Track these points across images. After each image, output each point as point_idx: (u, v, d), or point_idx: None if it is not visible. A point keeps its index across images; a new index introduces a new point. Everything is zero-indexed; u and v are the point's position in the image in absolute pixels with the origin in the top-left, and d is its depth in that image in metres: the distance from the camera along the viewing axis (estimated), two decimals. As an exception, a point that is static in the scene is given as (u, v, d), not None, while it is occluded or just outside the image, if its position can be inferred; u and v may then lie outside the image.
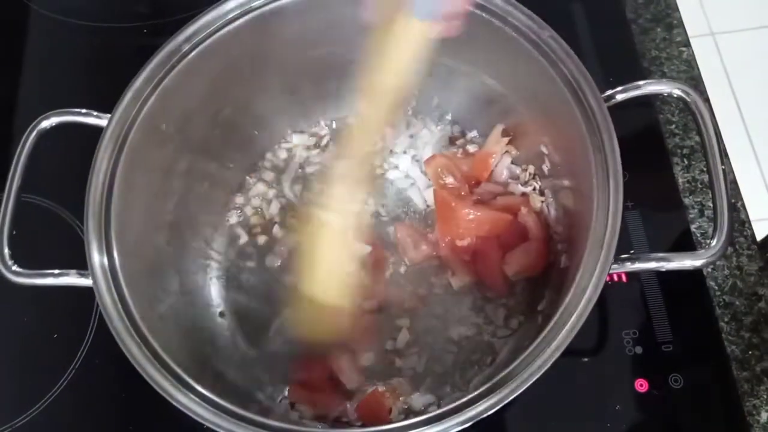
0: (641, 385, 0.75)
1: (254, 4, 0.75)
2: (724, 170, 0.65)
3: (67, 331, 0.82)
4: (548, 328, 0.60)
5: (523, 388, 0.58)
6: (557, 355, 0.59)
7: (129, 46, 0.99)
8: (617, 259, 0.62)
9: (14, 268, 0.66)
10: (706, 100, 0.89)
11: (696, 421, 0.74)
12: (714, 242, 0.62)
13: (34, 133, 0.70)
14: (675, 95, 0.69)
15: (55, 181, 0.87)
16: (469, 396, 0.58)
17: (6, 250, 0.66)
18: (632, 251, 0.82)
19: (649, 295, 0.80)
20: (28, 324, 0.84)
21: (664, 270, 0.64)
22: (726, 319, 0.79)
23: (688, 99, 0.68)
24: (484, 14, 0.72)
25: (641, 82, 0.70)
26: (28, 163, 0.69)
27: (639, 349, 0.77)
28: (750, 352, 0.77)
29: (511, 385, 0.58)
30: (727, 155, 0.87)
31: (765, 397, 0.75)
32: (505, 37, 0.73)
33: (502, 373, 0.59)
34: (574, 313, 0.60)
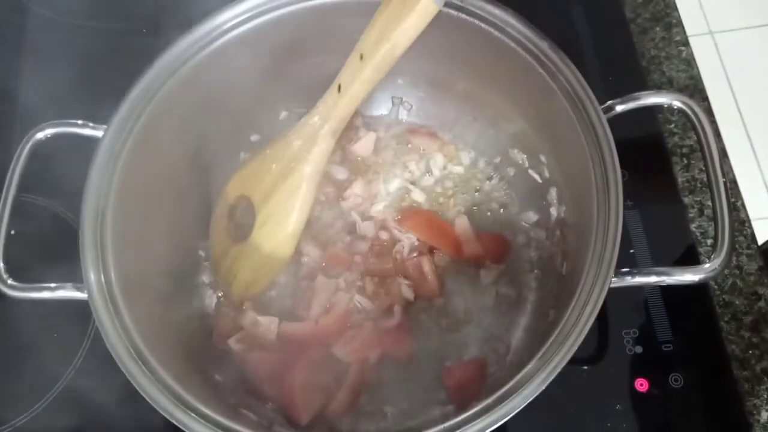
0: (641, 385, 0.75)
1: (247, 16, 0.75)
2: (725, 183, 0.65)
3: (67, 330, 0.82)
4: (546, 345, 0.60)
5: (520, 408, 0.58)
6: (556, 373, 0.58)
7: (128, 47, 0.99)
8: (617, 273, 0.62)
9: (9, 281, 0.65)
10: (707, 109, 0.89)
11: (696, 420, 0.74)
12: (714, 257, 0.62)
13: (29, 145, 0.70)
14: (675, 107, 0.69)
15: (56, 180, 0.87)
16: (466, 414, 0.58)
17: (1, 264, 0.66)
18: (632, 250, 0.82)
19: (650, 295, 0.80)
20: (29, 323, 0.83)
21: (664, 284, 0.64)
22: (726, 319, 0.79)
23: (688, 111, 0.68)
24: (483, 24, 0.72)
25: (641, 93, 0.70)
26: (25, 171, 0.69)
27: (639, 349, 0.77)
28: (750, 352, 0.78)
29: (508, 404, 0.58)
30: (726, 154, 0.87)
31: (765, 396, 0.75)
32: (505, 48, 0.73)
33: (500, 392, 0.58)
34: (573, 331, 0.60)
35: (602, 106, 0.69)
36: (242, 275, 0.78)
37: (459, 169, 0.90)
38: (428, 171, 0.90)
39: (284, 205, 0.75)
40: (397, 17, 0.66)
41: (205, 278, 0.83)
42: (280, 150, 0.75)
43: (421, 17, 0.66)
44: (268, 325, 0.78)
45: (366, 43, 0.68)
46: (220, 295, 0.83)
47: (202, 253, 0.84)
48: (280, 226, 0.75)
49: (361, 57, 0.68)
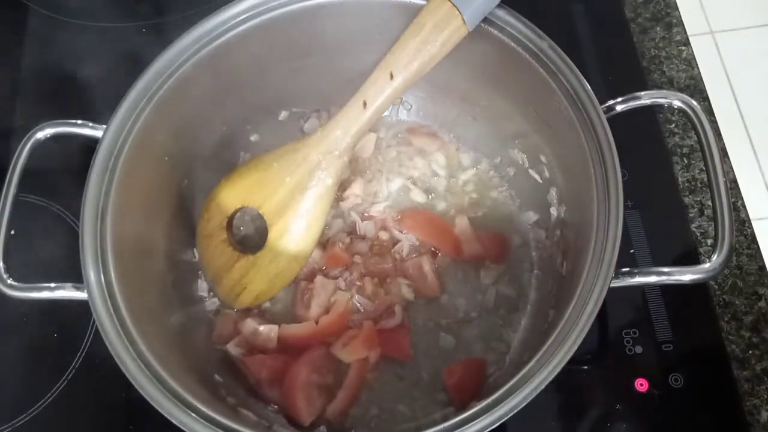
0: (641, 385, 0.75)
1: (247, 15, 0.74)
2: (725, 183, 0.65)
3: (67, 331, 0.82)
4: (546, 345, 0.60)
5: (520, 408, 0.58)
6: (556, 373, 0.58)
7: (128, 46, 0.99)
8: (617, 273, 0.62)
9: (9, 281, 0.65)
10: (707, 109, 0.89)
11: (696, 420, 0.74)
12: (714, 257, 0.62)
13: (29, 145, 0.69)
14: (675, 107, 0.69)
15: (56, 180, 0.87)
16: (466, 414, 0.58)
17: (1, 264, 0.65)
18: (632, 250, 0.82)
19: (650, 295, 0.80)
20: (28, 323, 0.84)
21: (664, 284, 0.64)
22: (726, 319, 0.79)
23: (689, 111, 0.68)
24: (482, 24, 0.71)
25: (641, 93, 0.70)
26: (24, 170, 0.69)
27: (639, 349, 0.77)
28: (750, 352, 0.78)
29: (508, 404, 0.58)
30: (726, 154, 0.87)
31: (765, 396, 0.75)
32: (505, 47, 0.72)
33: (500, 392, 0.58)
34: (573, 331, 0.60)
35: (602, 106, 0.68)
36: (255, 286, 0.78)
37: (459, 169, 0.90)
38: (428, 171, 0.90)
39: (305, 215, 0.75)
40: (432, 40, 0.68)
41: (206, 279, 0.83)
42: (293, 163, 0.75)
43: (456, 39, 0.69)
44: (267, 333, 0.78)
45: (397, 62, 0.69)
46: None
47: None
48: (302, 235, 0.76)
49: (391, 76, 0.70)
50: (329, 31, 0.79)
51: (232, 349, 0.77)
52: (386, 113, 0.92)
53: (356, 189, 0.86)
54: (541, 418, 0.75)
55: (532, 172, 0.83)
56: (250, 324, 0.78)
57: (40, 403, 0.78)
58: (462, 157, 0.90)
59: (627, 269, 0.63)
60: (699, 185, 0.87)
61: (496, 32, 0.72)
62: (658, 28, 0.99)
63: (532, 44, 0.71)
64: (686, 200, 0.86)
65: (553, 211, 0.80)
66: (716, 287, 0.81)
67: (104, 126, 0.70)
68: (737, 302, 0.80)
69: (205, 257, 0.80)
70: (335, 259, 0.83)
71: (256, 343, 0.78)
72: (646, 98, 0.70)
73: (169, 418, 0.59)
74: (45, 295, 0.66)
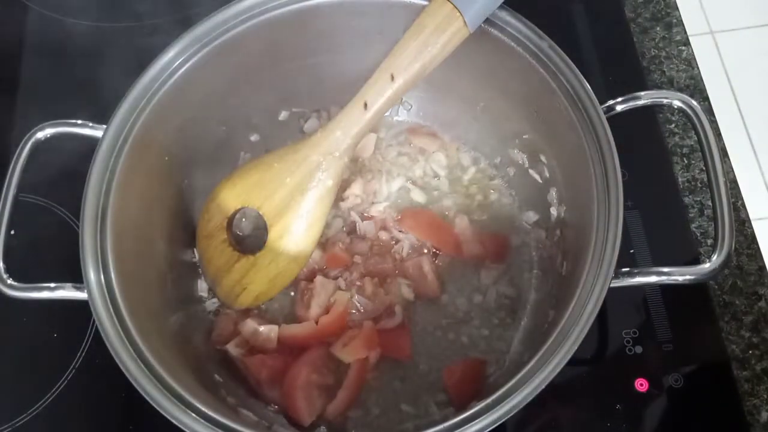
0: (641, 385, 0.75)
1: (247, 15, 0.74)
2: (725, 183, 0.65)
3: (67, 331, 0.82)
4: (546, 345, 0.60)
5: (520, 408, 0.58)
6: (556, 373, 0.58)
7: (128, 46, 0.99)
8: (618, 273, 0.62)
9: (9, 281, 0.65)
10: (707, 109, 0.89)
11: (696, 420, 0.74)
12: (714, 257, 0.62)
13: (29, 145, 0.69)
14: (675, 107, 0.69)
15: (56, 180, 0.87)
16: (466, 414, 0.58)
17: (1, 264, 0.66)
18: (632, 250, 0.82)
19: (650, 295, 0.80)
20: (28, 323, 0.84)
21: (664, 284, 0.64)
22: (726, 319, 0.79)
23: (689, 111, 0.68)
24: (482, 24, 0.71)
25: (641, 93, 0.70)
26: (25, 171, 0.69)
27: (639, 349, 0.77)
28: (750, 352, 0.78)
29: (508, 404, 0.58)
30: (726, 154, 0.87)
31: (765, 396, 0.75)
32: (504, 47, 0.72)
33: (500, 392, 0.58)
34: (573, 331, 0.60)
35: (602, 106, 0.68)
36: (255, 286, 0.78)
37: (459, 169, 0.90)
38: (429, 171, 0.90)
39: (305, 216, 0.75)
40: (433, 41, 0.68)
41: (206, 279, 0.83)
42: (294, 163, 0.75)
43: (457, 41, 0.69)
44: (267, 333, 0.78)
45: (398, 64, 0.69)
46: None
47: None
48: (302, 236, 0.76)
49: (392, 77, 0.70)
50: (329, 31, 0.79)
51: (232, 349, 0.77)
52: (386, 113, 0.92)
53: (356, 189, 0.87)
54: (540, 418, 0.75)
55: (532, 172, 0.83)
56: (250, 324, 0.78)
57: (40, 403, 0.78)
58: (462, 157, 0.90)
59: (627, 269, 0.63)
60: (699, 185, 0.87)
61: (496, 32, 0.72)
62: (658, 28, 0.99)
63: (532, 44, 0.71)
64: (686, 200, 0.86)
65: (553, 211, 0.80)
66: (716, 287, 0.81)
67: (104, 126, 0.70)
68: (737, 302, 0.80)
69: (205, 257, 0.80)
70: (335, 259, 0.83)
71: (256, 343, 0.78)
72: (646, 98, 0.70)
73: (169, 418, 0.59)
74: (45, 295, 0.66)
